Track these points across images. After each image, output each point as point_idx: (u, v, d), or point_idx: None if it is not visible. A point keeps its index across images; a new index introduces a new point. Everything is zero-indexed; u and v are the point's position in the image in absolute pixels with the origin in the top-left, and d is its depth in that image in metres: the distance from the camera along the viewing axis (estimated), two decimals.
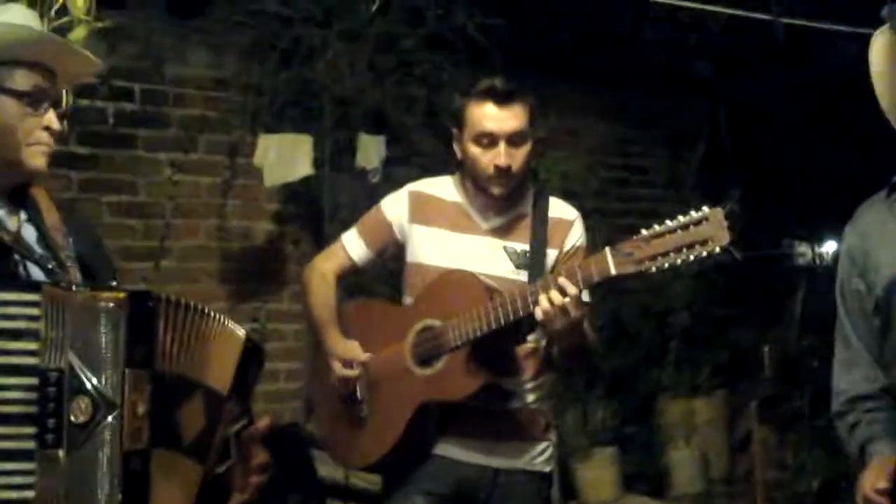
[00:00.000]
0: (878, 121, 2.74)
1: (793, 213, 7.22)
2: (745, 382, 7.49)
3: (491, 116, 3.28)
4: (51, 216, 2.48)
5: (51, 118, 2.43)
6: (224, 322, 2.39)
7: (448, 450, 3.32)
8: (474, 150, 3.31)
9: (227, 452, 2.36)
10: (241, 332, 2.40)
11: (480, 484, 3.33)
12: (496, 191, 3.32)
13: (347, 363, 3.41)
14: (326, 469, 5.35)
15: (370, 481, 4.42)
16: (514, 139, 3.28)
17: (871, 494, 2.63)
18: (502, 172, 3.28)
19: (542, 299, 2.99)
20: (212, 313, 2.37)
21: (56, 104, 2.47)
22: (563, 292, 2.96)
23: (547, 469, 3.42)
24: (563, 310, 2.97)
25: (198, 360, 2.30)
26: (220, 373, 2.34)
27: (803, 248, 6.54)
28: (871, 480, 2.66)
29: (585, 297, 3.18)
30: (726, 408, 7.57)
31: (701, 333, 7.65)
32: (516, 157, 3.29)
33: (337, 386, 3.44)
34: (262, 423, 2.46)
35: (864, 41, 2.73)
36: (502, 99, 3.28)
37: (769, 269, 7.02)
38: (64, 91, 3.93)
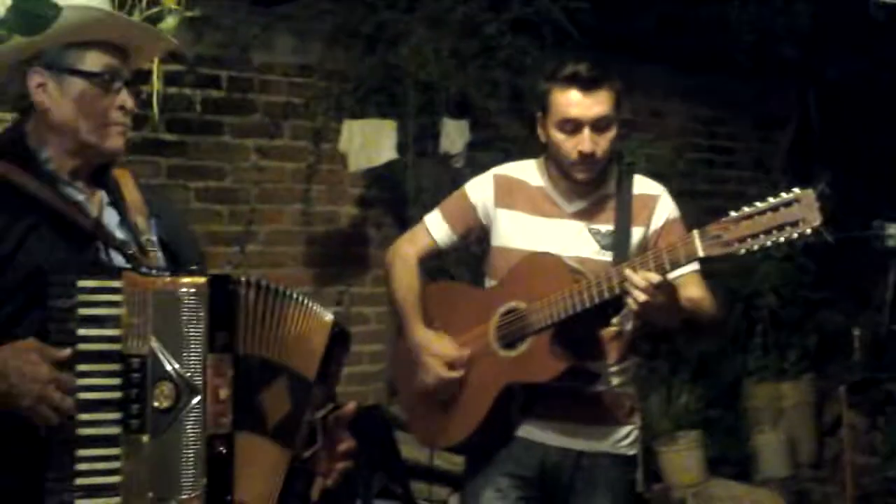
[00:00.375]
0: None
1: (884, 195, 7.07)
2: (834, 366, 7.38)
3: (575, 102, 3.25)
4: (133, 198, 2.48)
5: (124, 97, 2.41)
6: (310, 306, 2.37)
7: (532, 432, 3.31)
8: (558, 135, 3.29)
9: (313, 437, 2.35)
10: (328, 316, 2.39)
11: (564, 466, 3.31)
12: (580, 176, 3.30)
13: (450, 364, 3.37)
14: (410, 450, 5.37)
15: (454, 462, 4.42)
16: (598, 125, 3.26)
17: None
18: (586, 158, 3.26)
19: (632, 277, 2.95)
20: (297, 297, 2.35)
21: (130, 83, 2.44)
22: (649, 278, 2.94)
23: (631, 452, 3.39)
24: (653, 293, 2.94)
25: (282, 343, 2.29)
26: (305, 357, 2.33)
27: (895, 230, 6.39)
28: None
29: (693, 267, 3.19)
30: (814, 392, 7.47)
31: (788, 317, 7.55)
32: (600, 143, 3.27)
33: (436, 386, 3.39)
34: (348, 407, 2.44)
35: None
36: (587, 85, 3.25)
37: (858, 252, 6.90)
38: (154, 78, 3.98)
